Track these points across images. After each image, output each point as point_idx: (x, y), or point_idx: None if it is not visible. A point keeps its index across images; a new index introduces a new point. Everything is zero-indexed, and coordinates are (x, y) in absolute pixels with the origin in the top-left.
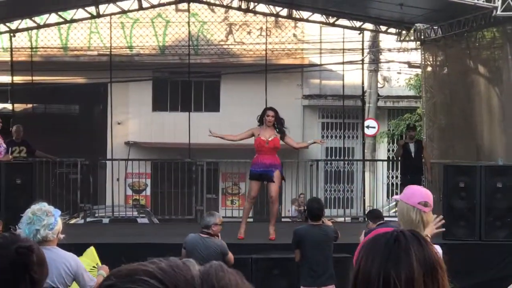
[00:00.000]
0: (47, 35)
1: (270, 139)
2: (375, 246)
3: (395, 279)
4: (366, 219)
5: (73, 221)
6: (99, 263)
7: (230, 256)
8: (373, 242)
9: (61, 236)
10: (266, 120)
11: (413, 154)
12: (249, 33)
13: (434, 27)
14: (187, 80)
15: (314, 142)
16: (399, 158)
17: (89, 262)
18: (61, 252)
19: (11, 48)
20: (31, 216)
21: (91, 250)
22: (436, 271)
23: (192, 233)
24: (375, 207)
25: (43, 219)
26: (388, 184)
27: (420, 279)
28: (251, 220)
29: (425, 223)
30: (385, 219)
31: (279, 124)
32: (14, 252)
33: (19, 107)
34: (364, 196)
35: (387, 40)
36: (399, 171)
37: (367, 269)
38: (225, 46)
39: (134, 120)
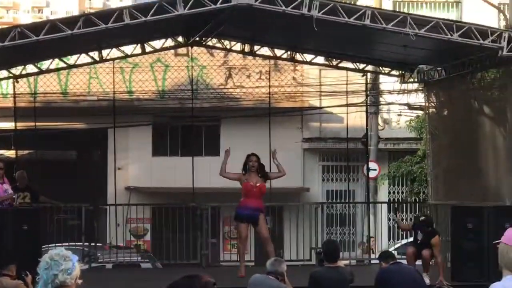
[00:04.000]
0: (46, 81)
1: (257, 184)
2: None
3: None
4: (379, 261)
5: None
6: None
7: None
8: None
9: (79, 281)
10: (249, 165)
11: (419, 241)
12: (248, 76)
13: (438, 69)
14: (187, 124)
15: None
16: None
17: None
18: None
19: (14, 94)
20: (48, 261)
21: None
22: None
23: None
24: (378, 249)
25: (61, 264)
26: (388, 226)
27: None
28: (252, 263)
29: None
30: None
31: (261, 170)
32: None
33: (21, 153)
34: (369, 238)
35: (387, 82)
36: None
37: None
38: (225, 90)
39: (134, 165)
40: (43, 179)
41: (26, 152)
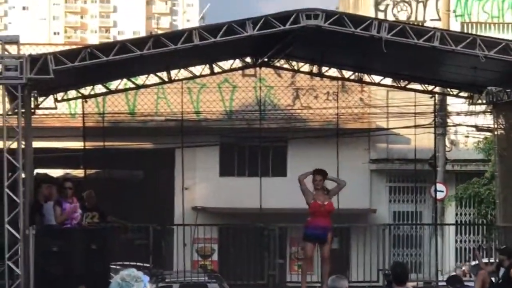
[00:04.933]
0: (114, 101)
1: (326, 203)
2: None
3: None
4: (446, 284)
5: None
6: None
7: None
8: None
9: None
10: (314, 184)
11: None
12: (315, 97)
13: (507, 90)
14: (254, 145)
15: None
16: None
17: None
18: None
19: (83, 113)
20: (120, 282)
21: None
22: None
23: None
24: (444, 271)
25: (133, 284)
26: (456, 248)
27: None
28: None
29: None
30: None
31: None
32: None
33: (89, 172)
34: (436, 260)
35: (455, 103)
36: None
37: None
38: (292, 111)
39: (202, 185)
40: (110, 199)
41: (93, 171)
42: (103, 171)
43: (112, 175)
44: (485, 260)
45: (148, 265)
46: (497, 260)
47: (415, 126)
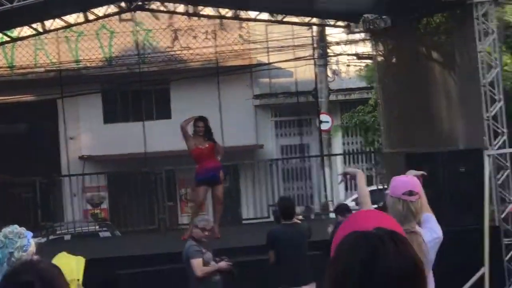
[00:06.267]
0: None
1: (206, 145)
2: (355, 244)
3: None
4: (335, 214)
5: (35, 240)
6: (80, 279)
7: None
8: (354, 241)
9: (35, 257)
10: (196, 130)
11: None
12: (195, 37)
13: (383, 17)
14: (136, 89)
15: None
16: None
17: (74, 271)
18: None
19: None
20: (3, 239)
21: (81, 261)
22: (414, 275)
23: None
24: (336, 201)
25: (16, 241)
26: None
27: (398, 282)
28: None
29: (415, 213)
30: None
31: (208, 132)
32: None
33: None
34: (326, 191)
35: (334, 33)
36: None
37: (342, 267)
38: (172, 53)
39: (86, 134)
40: None
41: None
42: None
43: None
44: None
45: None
46: None
47: (294, 59)
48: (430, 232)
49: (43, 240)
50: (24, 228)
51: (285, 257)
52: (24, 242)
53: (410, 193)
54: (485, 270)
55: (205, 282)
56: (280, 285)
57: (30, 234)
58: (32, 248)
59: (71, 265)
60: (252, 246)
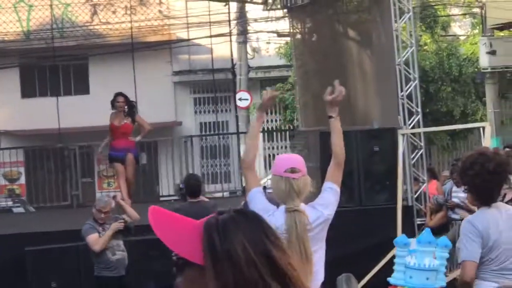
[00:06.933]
0: None
1: (122, 123)
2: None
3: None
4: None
5: None
6: None
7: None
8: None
9: None
10: (117, 106)
11: None
12: (114, 12)
13: None
14: (54, 65)
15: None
16: None
17: None
18: None
19: None
20: None
21: None
22: (267, 251)
23: None
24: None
25: None
26: (264, 156)
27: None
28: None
29: (298, 191)
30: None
31: (130, 108)
32: None
33: None
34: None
35: (254, 10)
36: None
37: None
38: (91, 27)
39: (3, 108)
40: None
41: None
42: None
43: None
44: None
45: None
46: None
47: (211, 36)
48: (315, 210)
49: None
50: None
51: None
52: None
53: (292, 170)
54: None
55: (104, 260)
56: None
57: None
58: None
59: None
60: None
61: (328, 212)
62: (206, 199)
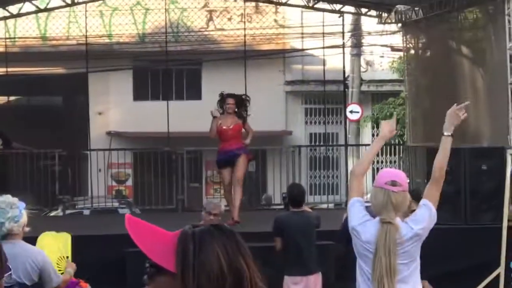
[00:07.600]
0: (25, 26)
1: (231, 126)
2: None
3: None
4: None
5: (53, 213)
6: (70, 256)
7: None
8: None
9: (27, 229)
10: (226, 108)
11: None
12: (229, 19)
13: (415, 9)
14: (167, 68)
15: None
16: None
17: (61, 249)
18: (26, 246)
19: None
20: None
21: (67, 238)
22: (238, 265)
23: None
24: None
25: (8, 211)
26: (373, 168)
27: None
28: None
29: (395, 205)
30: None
31: (241, 108)
32: None
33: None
34: (347, 181)
35: (369, 23)
36: None
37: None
38: (206, 33)
39: (115, 110)
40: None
41: (5, 97)
42: (15, 98)
43: (27, 101)
44: None
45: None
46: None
47: (323, 47)
48: (406, 225)
49: (60, 213)
50: (17, 199)
51: (292, 244)
52: (15, 212)
53: (393, 183)
54: (501, 270)
55: None
56: (286, 273)
57: (23, 205)
58: (24, 219)
59: (56, 244)
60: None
61: (419, 227)
62: (309, 210)
